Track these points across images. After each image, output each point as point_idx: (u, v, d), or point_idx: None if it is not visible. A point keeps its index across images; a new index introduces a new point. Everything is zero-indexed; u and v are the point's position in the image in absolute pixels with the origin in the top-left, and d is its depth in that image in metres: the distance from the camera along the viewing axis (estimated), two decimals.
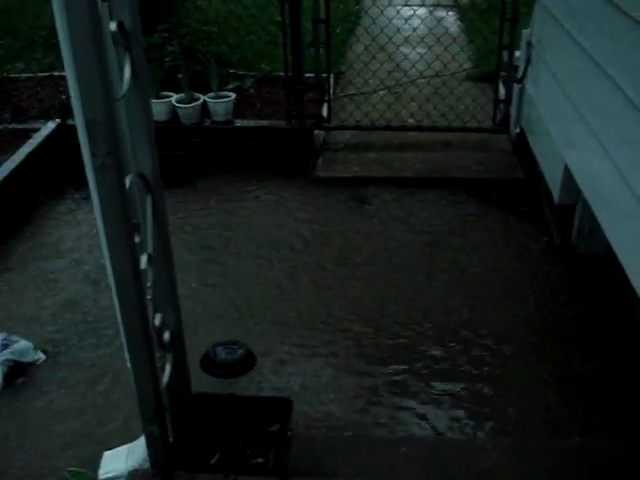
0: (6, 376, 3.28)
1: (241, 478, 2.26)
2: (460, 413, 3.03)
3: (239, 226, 4.49)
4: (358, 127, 5.34)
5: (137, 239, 2.12)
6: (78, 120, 1.88)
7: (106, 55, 1.78)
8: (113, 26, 1.79)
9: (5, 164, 4.62)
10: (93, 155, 1.82)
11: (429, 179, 4.88)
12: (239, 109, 5.31)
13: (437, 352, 3.40)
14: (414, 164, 5.06)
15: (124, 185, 1.92)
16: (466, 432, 2.93)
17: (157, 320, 2.28)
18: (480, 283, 3.89)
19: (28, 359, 3.39)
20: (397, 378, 3.24)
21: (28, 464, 2.89)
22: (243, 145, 5.13)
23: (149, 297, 2.22)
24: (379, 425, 3.00)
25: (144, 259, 2.15)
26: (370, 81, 5.61)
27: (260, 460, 2.40)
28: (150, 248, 2.18)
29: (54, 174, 4.93)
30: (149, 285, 2.22)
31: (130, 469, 2.42)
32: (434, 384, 3.21)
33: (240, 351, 2.42)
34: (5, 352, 3.33)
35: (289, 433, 2.47)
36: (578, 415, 3.00)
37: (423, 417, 3.05)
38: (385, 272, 4.01)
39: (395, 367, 3.31)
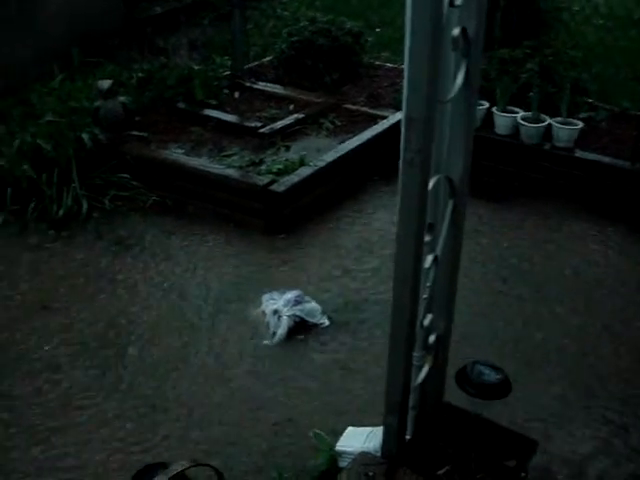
0: (290, 329, 3.57)
1: None
2: None
3: (540, 258, 4.32)
4: None
5: (428, 238, 2.18)
6: (403, 114, 1.97)
7: (441, 57, 1.85)
8: (456, 31, 1.85)
9: (347, 142, 5.01)
10: (405, 149, 1.91)
11: None
12: (584, 140, 5.10)
13: None
14: None
15: (426, 184, 1.98)
16: None
17: (427, 320, 2.32)
18: None
19: (314, 320, 3.66)
20: None
21: (282, 416, 3.13)
22: (577, 176, 4.93)
23: (425, 296, 2.27)
24: None
25: (430, 259, 2.20)
26: None
27: None
28: (439, 250, 2.23)
29: (391, 160, 5.19)
30: (428, 285, 2.27)
31: (363, 450, 2.51)
32: None
33: (498, 376, 2.38)
34: (296, 307, 3.63)
35: (523, 474, 2.38)
36: None
37: None
38: None
39: None
